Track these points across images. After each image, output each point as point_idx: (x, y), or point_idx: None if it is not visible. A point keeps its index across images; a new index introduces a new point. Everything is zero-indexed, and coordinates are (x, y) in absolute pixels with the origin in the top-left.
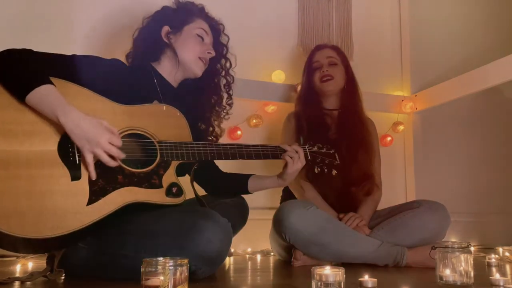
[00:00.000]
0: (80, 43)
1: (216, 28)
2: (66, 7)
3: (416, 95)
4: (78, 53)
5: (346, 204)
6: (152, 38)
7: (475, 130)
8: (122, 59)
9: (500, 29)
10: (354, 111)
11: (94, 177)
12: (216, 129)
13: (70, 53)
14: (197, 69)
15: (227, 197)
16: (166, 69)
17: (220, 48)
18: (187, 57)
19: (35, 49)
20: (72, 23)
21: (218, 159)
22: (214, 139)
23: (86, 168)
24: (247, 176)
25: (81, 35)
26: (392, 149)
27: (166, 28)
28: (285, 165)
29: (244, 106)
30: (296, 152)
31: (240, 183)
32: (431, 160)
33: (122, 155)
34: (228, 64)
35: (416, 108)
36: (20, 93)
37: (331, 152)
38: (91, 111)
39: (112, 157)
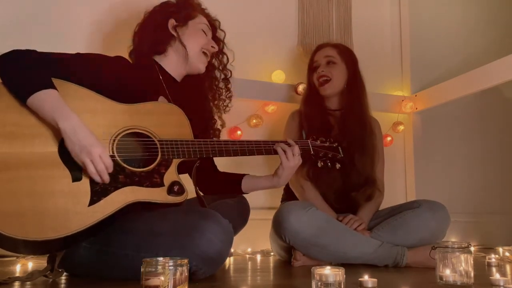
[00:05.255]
0: (82, 39)
1: (213, 24)
2: (67, 3)
3: (416, 95)
4: (80, 49)
5: (346, 205)
6: (159, 30)
7: (475, 130)
8: (124, 54)
9: (500, 29)
10: (356, 112)
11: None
12: (218, 121)
13: (72, 51)
14: (201, 64)
15: (226, 197)
16: (172, 62)
17: (216, 43)
18: (193, 50)
19: (37, 46)
20: (73, 19)
21: (219, 156)
22: (217, 131)
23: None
24: (241, 176)
25: (84, 31)
26: (392, 149)
27: (172, 21)
28: (281, 162)
29: (244, 106)
30: (290, 146)
31: (233, 183)
32: (431, 160)
33: (106, 178)
34: (225, 59)
35: (416, 108)
36: (21, 96)
37: (334, 145)
38: (91, 111)
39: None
